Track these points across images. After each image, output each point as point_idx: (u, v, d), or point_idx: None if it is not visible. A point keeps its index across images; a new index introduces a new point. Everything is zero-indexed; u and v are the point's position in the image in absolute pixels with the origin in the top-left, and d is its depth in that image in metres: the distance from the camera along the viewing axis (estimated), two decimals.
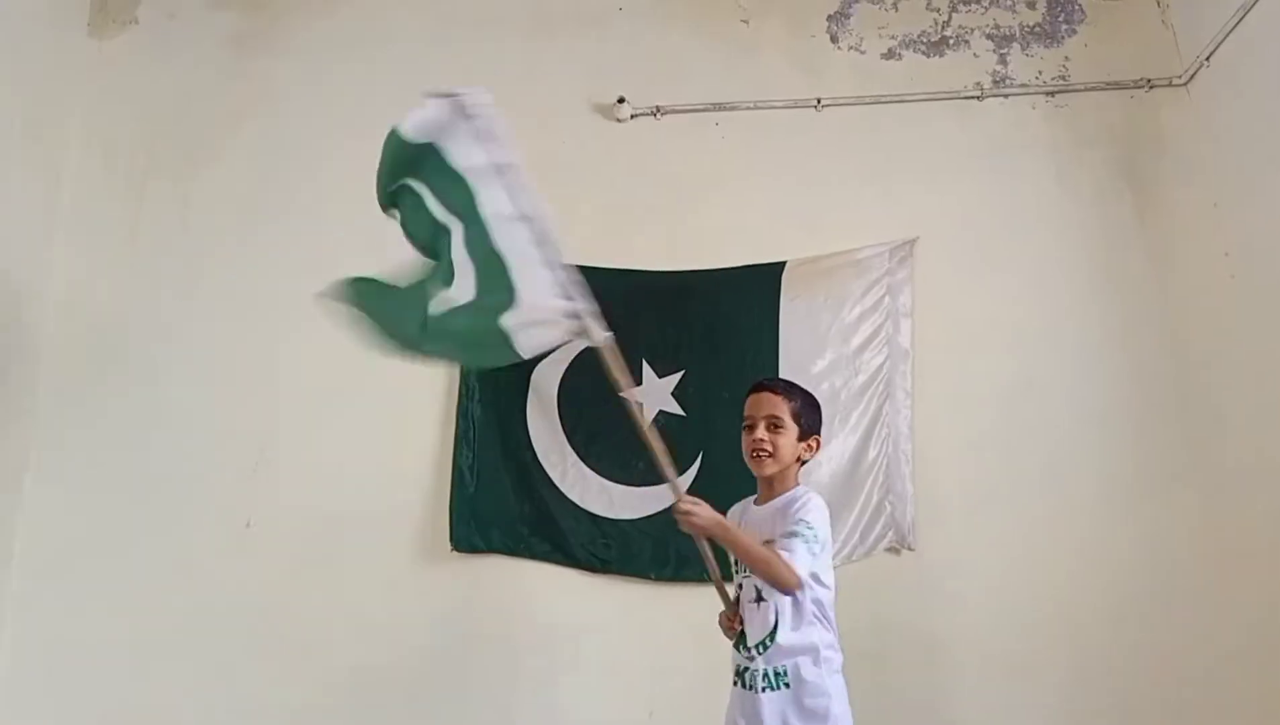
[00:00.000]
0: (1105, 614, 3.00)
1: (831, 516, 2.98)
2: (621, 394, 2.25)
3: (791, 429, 2.26)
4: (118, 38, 3.77)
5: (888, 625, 2.99)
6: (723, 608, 2.33)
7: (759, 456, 2.25)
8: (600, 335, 2.12)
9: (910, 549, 3.07)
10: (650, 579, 3.05)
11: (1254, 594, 2.95)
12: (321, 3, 3.77)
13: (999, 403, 3.20)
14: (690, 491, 2.98)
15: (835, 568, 2.95)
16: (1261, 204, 3.06)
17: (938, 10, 3.66)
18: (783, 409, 2.26)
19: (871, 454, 3.14)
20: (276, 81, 3.69)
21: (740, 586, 2.28)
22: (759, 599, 2.21)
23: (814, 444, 2.31)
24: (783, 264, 3.30)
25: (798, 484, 2.29)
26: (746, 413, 2.31)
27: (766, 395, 2.29)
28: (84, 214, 3.55)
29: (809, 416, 2.30)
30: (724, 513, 2.25)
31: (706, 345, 3.25)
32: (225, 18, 3.78)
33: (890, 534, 3.08)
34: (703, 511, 2.12)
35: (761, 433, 2.25)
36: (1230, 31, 3.18)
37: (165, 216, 3.55)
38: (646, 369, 3.24)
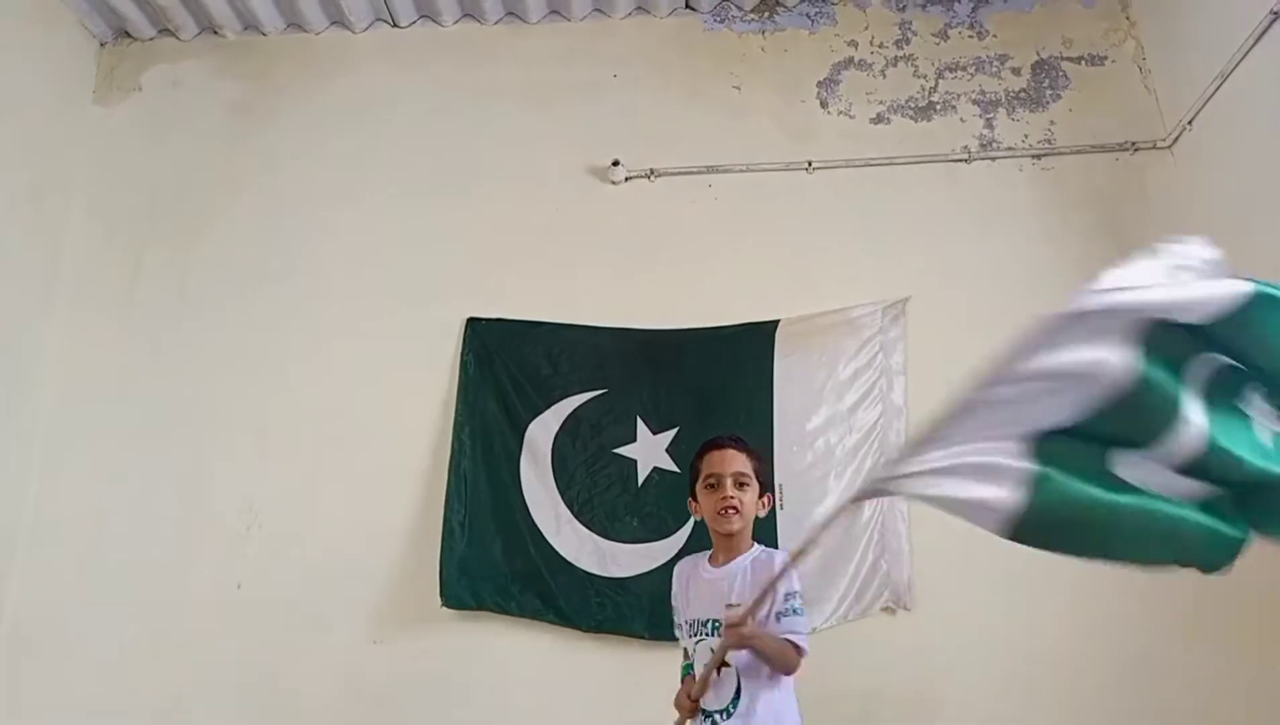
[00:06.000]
0: (1101, 674, 2.96)
1: (826, 576, 3.04)
2: None
3: (754, 486, 2.26)
4: (122, 105, 3.84)
5: (882, 685, 2.95)
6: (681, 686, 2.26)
7: (728, 514, 2.22)
8: None
9: (906, 609, 3.04)
10: (643, 638, 3.01)
11: (1250, 654, 2.92)
12: (322, 73, 3.85)
13: None
14: (684, 547, 3.05)
15: (830, 627, 3.01)
16: (1245, 262, 3.01)
17: (925, 77, 3.74)
18: (748, 466, 2.26)
19: (867, 512, 3.11)
20: (277, 150, 3.74)
21: (692, 652, 2.26)
22: (722, 666, 2.13)
23: (767, 501, 2.31)
24: (776, 322, 3.32)
25: (753, 543, 2.27)
26: (709, 470, 2.27)
27: (732, 452, 2.27)
28: (83, 280, 3.58)
29: (766, 473, 2.33)
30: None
31: (701, 402, 3.26)
32: (228, 86, 3.85)
33: (886, 593, 3.05)
34: (747, 627, 2.05)
35: (730, 490, 2.22)
36: (1211, 96, 3.25)
37: (163, 284, 3.58)
38: (641, 426, 3.25)
